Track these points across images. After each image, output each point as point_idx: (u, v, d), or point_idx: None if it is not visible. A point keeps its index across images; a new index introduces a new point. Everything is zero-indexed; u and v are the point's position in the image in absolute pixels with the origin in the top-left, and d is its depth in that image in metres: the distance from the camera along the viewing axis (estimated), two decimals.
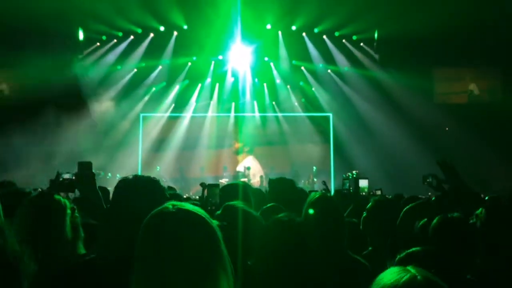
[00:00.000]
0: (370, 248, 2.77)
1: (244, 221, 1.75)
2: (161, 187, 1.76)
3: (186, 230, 1.15)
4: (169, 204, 1.21)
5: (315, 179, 12.71)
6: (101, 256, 1.69)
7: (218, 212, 2.09)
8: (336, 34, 12.85)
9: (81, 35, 12.11)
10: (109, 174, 11.52)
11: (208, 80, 13.65)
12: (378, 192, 4.76)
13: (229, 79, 13.68)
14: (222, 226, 1.23)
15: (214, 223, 1.20)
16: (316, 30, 12.82)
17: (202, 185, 3.89)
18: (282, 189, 3.13)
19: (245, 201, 2.34)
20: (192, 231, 1.15)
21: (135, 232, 1.55)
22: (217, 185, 3.37)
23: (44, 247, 1.93)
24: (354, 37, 12.88)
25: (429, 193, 6.82)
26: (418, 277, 1.04)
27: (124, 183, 1.73)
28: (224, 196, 2.82)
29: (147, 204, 1.65)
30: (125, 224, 1.61)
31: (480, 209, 2.22)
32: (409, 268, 1.07)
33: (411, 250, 1.51)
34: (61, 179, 2.80)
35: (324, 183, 7.75)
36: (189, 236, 1.14)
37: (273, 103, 13.85)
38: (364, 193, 3.82)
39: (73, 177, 2.74)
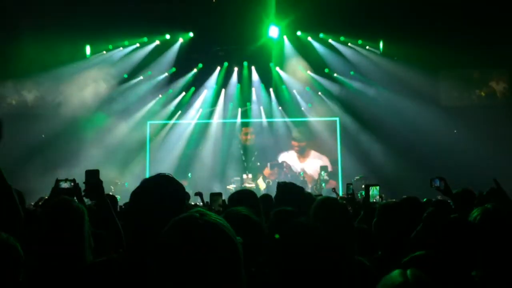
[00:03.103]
0: (379, 253, 2.78)
1: (245, 226, 1.76)
2: (180, 188, 1.79)
3: (209, 245, 1.10)
4: (197, 213, 1.15)
5: (323, 184, 12.67)
6: (122, 256, 1.72)
7: None
8: (342, 39, 12.88)
9: (88, 51, 12.38)
10: (126, 184, 11.77)
11: (214, 86, 13.71)
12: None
13: (235, 85, 13.73)
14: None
15: (238, 240, 1.16)
16: (321, 35, 12.86)
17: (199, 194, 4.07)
18: (289, 194, 3.13)
19: (251, 207, 2.35)
20: (215, 248, 1.10)
21: (152, 233, 1.54)
22: (219, 194, 3.44)
23: (62, 252, 1.96)
24: (360, 41, 12.90)
25: (438, 196, 6.78)
26: (410, 279, 1.07)
27: (147, 184, 1.76)
28: (231, 203, 2.84)
29: (166, 204, 1.69)
30: (142, 226, 1.64)
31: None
32: (408, 271, 1.10)
33: (415, 254, 1.51)
34: (60, 187, 2.83)
35: (334, 190, 7.74)
36: (210, 252, 1.09)
37: (280, 108, 13.86)
38: (375, 200, 3.79)
39: (72, 184, 2.77)
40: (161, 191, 1.72)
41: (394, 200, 4.94)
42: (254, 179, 13.23)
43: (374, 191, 3.70)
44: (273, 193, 3.35)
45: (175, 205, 1.69)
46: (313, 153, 13.87)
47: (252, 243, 1.58)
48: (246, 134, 14.02)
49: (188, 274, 1.07)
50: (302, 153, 13.84)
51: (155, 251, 1.13)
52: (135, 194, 1.76)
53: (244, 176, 13.23)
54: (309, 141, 13.86)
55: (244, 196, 2.84)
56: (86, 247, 2.02)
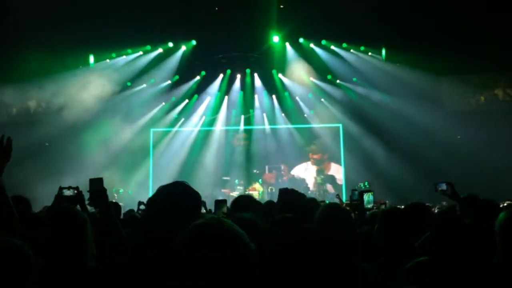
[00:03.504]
0: (382, 258, 2.77)
1: (250, 231, 1.77)
2: (196, 195, 1.82)
3: (226, 250, 1.15)
4: (214, 220, 1.21)
5: (326, 190, 12.65)
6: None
7: None
8: (344, 45, 12.91)
9: (91, 60, 12.49)
10: (129, 191, 11.80)
11: (217, 93, 13.74)
12: (382, 207, 4.72)
13: (238, 92, 13.75)
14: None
15: (253, 247, 1.20)
16: (323, 42, 12.88)
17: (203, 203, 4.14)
18: (291, 200, 3.13)
19: (252, 212, 2.35)
20: (232, 252, 1.15)
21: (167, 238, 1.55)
22: (224, 201, 3.47)
23: (64, 259, 1.96)
24: (362, 48, 12.91)
25: (444, 202, 6.74)
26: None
27: (164, 190, 1.80)
28: (233, 209, 2.84)
29: (182, 212, 1.71)
30: (158, 231, 1.66)
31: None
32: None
33: (418, 259, 1.49)
34: (63, 195, 2.85)
35: (338, 196, 7.79)
36: (228, 256, 1.15)
37: (282, 114, 13.86)
38: (370, 206, 3.83)
39: (75, 192, 2.79)
40: (177, 198, 1.77)
41: (398, 206, 4.92)
42: (247, 185, 13.15)
43: (369, 197, 3.72)
44: (274, 198, 3.35)
45: (190, 211, 1.73)
46: (333, 165, 13.69)
47: (260, 248, 1.59)
48: (241, 139, 13.99)
49: (206, 277, 1.12)
50: (321, 165, 13.69)
51: (173, 255, 1.18)
52: (152, 200, 1.81)
53: (237, 181, 13.18)
54: (325, 153, 13.74)
55: (244, 201, 2.85)
56: (88, 255, 2.02)
